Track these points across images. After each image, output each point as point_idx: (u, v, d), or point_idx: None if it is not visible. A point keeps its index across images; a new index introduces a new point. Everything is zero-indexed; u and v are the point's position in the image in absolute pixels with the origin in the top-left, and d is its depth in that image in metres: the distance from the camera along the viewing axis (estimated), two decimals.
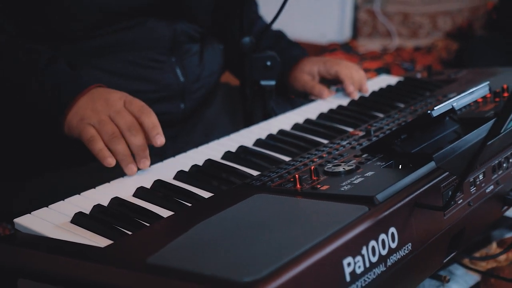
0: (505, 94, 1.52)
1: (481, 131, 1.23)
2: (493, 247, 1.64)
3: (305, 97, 1.98)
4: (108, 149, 1.30)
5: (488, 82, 1.49)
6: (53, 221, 1.13)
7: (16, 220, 1.14)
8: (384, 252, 1.00)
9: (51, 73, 1.44)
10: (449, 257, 1.24)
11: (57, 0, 1.56)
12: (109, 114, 1.33)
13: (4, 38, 1.54)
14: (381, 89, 1.89)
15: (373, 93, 1.86)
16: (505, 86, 1.55)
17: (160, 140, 1.31)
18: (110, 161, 1.28)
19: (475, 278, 1.54)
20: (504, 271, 1.53)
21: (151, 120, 1.32)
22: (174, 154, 1.40)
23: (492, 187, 1.31)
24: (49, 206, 1.18)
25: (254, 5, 2.13)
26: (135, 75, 1.67)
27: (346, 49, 3.83)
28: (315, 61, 1.93)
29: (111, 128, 1.30)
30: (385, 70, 3.44)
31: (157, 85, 1.70)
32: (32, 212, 1.16)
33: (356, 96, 1.82)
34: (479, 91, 1.38)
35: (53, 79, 1.43)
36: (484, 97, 1.51)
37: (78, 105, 1.37)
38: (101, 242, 1.05)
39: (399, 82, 1.97)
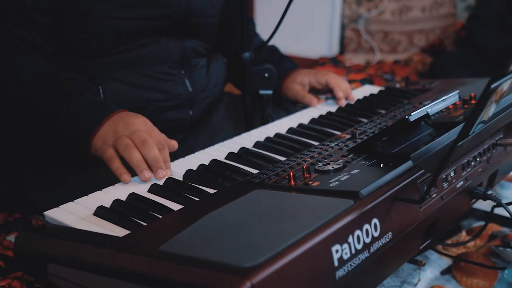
0: (473, 102, 1.51)
1: (452, 134, 1.22)
2: (463, 235, 1.64)
3: (295, 105, 1.98)
4: (124, 167, 1.29)
5: (457, 91, 1.49)
6: (78, 213, 1.13)
7: (46, 212, 1.14)
8: (367, 240, 1.00)
9: (82, 103, 1.43)
10: (424, 244, 1.24)
11: (77, 22, 1.58)
12: (126, 134, 1.32)
13: (44, 62, 1.54)
14: (365, 97, 1.88)
15: (358, 101, 1.85)
16: (472, 94, 1.54)
17: (168, 173, 1.29)
18: (126, 178, 1.27)
19: (447, 262, 1.54)
20: (472, 256, 1.53)
21: (166, 155, 1.31)
22: (183, 155, 1.39)
23: (462, 182, 1.30)
24: (75, 201, 1.18)
25: (252, 24, 2.13)
26: (150, 86, 1.67)
27: (335, 62, 3.83)
28: (305, 73, 1.92)
29: (126, 141, 1.29)
30: (369, 81, 3.44)
31: (169, 95, 1.70)
32: (60, 206, 1.16)
33: (344, 102, 1.81)
34: (450, 98, 1.38)
35: (83, 107, 1.42)
36: (454, 104, 1.50)
37: (102, 130, 1.36)
38: (120, 232, 1.05)
39: (380, 91, 1.96)
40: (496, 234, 1.65)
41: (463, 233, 1.65)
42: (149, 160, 1.27)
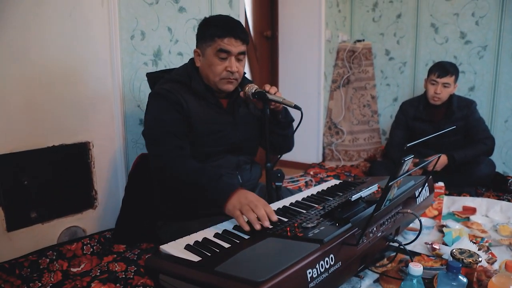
0: None
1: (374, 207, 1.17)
2: (384, 261, 1.55)
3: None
4: (245, 221, 1.22)
5: (377, 184, 1.45)
6: (176, 247, 1.10)
7: (161, 246, 1.11)
8: (327, 266, 0.95)
9: (220, 183, 1.37)
10: (360, 268, 1.17)
11: (195, 145, 1.58)
12: (246, 203, 1.26)
13: (192, 160, 1.51)
14: (332, 186, 1.83)
15: (328, 188, 1.79)
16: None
17: (267, 223, 1.20)
18: (247, 228, 1.20)
19: (376, 275, 1.45)
20: (389, 272, 1.45)
21: (268, 210, 1.22)
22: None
23: (380, 233, 1.24)
24: (175, 241, 1.14)
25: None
26: None
27: (320, 166, 3.76)
28: None
29: (246, 207, 1.24)
30: (337, 176, 3.37)
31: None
32: (168, 243, 1.12)
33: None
34: (373, 188, 1.32)
35: (222, 186, 1.36)
36: (376, 190, 1.45)
37: (232, 198, 1.30)
38: (196, 258, 1.01)
39: (340, 183, 1.90)
40: (402, 260, 1.57)
41: (385, 259, 1.57)
42: (259, 216, 1.20)
